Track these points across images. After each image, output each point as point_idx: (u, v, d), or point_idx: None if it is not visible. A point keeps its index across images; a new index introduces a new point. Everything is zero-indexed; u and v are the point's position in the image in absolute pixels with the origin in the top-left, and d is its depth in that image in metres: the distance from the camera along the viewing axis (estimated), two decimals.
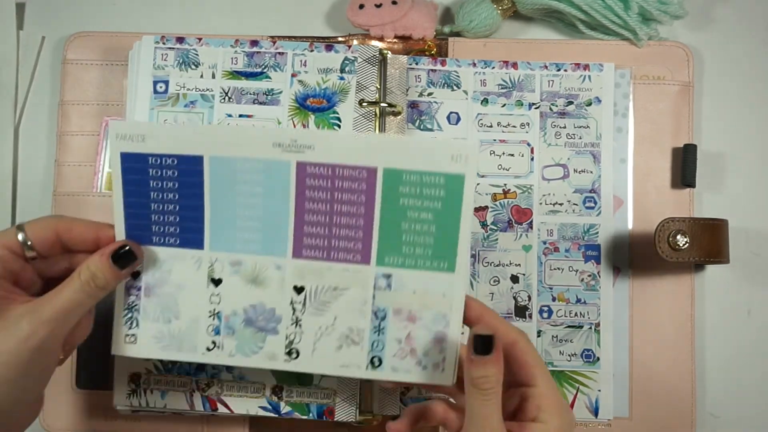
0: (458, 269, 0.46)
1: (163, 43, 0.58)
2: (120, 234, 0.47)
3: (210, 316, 0.48)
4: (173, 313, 0.48)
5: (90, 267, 0.44)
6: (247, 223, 0.47)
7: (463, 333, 0.47)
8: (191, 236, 0.47)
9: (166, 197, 0.46)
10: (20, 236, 0.44)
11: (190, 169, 0.46)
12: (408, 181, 0.45)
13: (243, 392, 0.56)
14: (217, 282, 0.47)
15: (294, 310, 0.47)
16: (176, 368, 0.56)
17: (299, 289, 0.47)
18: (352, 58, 0.58)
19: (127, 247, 0.45)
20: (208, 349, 0.48)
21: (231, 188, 0.46)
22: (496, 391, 0.41)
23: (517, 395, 0.44)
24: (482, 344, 0.42)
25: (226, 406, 0.56)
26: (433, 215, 0.45)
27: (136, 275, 0.48)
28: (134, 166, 0.46)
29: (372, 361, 0.47)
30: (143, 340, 0.48)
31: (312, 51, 0.58)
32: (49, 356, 0.43)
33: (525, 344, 0.44)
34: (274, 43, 0.58)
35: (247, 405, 0.56)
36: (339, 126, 0.57)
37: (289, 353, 0.48)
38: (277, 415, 0.56)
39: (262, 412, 0.56)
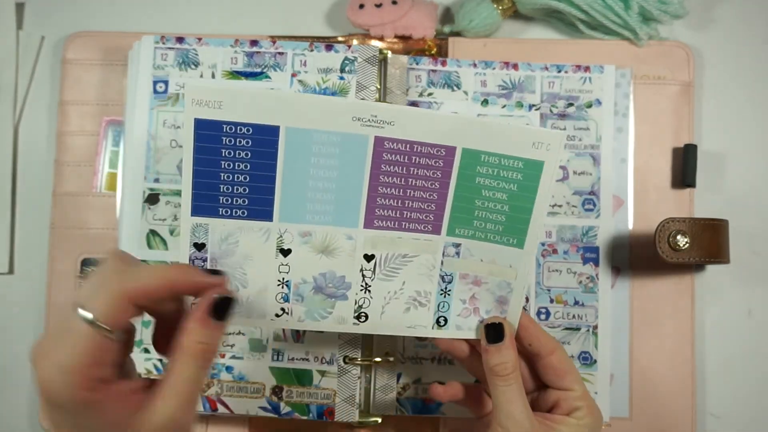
0: (527, 247, 0.47)
1: (163, 43, 0.58)
2: (186, 205, 0.46)
3: (279, 285, 0.48)
4: (240, 281, 0.48)
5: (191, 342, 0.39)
6: (319, 195, 0.46)
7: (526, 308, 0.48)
8: (260, 208, 0.47)
9: (237, 167, 0.45)
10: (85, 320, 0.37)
11: (265, 139, 0.45)
12: (486, 162, 0.46)
13: (243, 392, 0.56)
14: (286, 252, 0.47)
15: (363, 276, 0.48)
16: None
17: (369, 257, 0.48)
18: (352, 58, 0.57)
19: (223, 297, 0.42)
20: (277, 315, 0.48)
21: (305, 160, 0.46)
22: (516, 376, 0.45)
23: (554, 395, 0.47)
24: (494, 332, 0.46)
25: (226, 406, 0.56)
26: (507, 196, 0.46)
27: (201, 247, 0.47)
28: (208, 134, 0.44)
29: (438, 321, 0.49)
30: None
31: (312, 51, 0.58)
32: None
33: (562, 353, 0.47)
34: (274, 43, 0.58)
35: (247, 405, 0.56)
36: None
37: (357, 317, 0.49)
38: (277, 416, 0.56)
39: (262, 413, 0.56)
